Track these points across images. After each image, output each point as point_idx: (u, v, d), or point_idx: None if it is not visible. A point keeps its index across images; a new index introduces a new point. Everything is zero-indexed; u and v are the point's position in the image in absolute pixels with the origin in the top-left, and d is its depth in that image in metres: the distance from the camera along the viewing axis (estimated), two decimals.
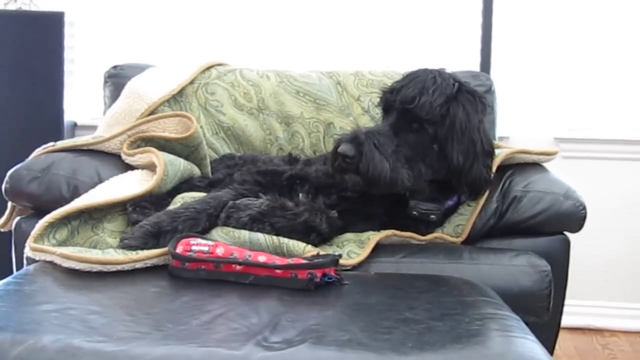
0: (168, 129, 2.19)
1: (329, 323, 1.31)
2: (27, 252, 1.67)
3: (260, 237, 1.74)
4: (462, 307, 1.41)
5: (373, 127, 1.89)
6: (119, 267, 1.60)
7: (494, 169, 1.96)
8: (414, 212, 1.93)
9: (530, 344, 1.24)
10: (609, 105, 3.15)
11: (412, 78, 1.90)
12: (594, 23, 3.11)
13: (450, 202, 2.00)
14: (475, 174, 1.87)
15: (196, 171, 2.20)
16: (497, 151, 2.04)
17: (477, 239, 2.00)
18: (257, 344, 1.18)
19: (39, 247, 1.65)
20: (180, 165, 2.09)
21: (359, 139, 1.79)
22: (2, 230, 2.15)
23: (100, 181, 2.02)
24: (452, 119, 1.85)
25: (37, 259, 1.65)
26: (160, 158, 2.00)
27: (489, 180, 1.92)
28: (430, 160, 1.87)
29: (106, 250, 1.70)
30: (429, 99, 1.83)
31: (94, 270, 1.58)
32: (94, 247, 1.75)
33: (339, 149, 1.80)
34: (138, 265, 1.62)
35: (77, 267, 1.58)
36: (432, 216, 1.94)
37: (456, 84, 1.90)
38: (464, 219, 2.00)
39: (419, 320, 1.32)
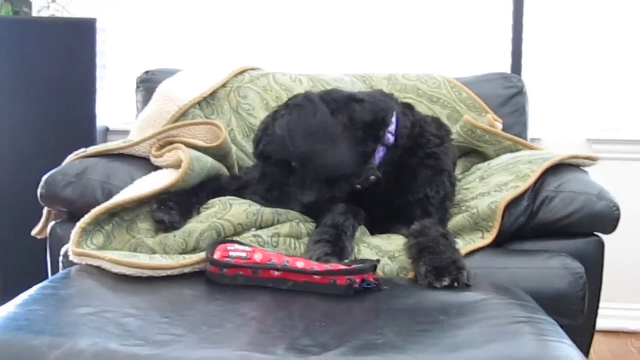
0: (198, 136, 2.19)
1: (363, 327, 1.31)
2: (72, 257, 1.68)
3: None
4: (496, 311, 1.41)
5: None
6: (169, 272, 1.61)
7: (539, 170, 1.97)
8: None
9: (566, 347, 1.23)
10: None
11: None
12: (625, 23, 3.07)
13: (380, 154, 1.99)
14: None
15: (224, 170, 2.19)
16: (541, 155, 2.05)
17: (508, 239, 1.97)
18: (291, 348, 1.18)
19: (85, 252, 1.66)
20: (208, 163, 2.07)
21: None
22: (38, 237, 2.16)
23: None
24: None
25: (83, 263, 1.66)
26: (186, 152, 1.98)
27: None
28: None
29: (153, 255, 1.71)
30: None
31: (145, 275, 1.59)
32: (135, 251, 1.76)
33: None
34: (187, 270, 1.63)
35: (128, 273, 1.59)
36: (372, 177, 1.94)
37: None
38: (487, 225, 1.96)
39: (453, 324, 1.32)
